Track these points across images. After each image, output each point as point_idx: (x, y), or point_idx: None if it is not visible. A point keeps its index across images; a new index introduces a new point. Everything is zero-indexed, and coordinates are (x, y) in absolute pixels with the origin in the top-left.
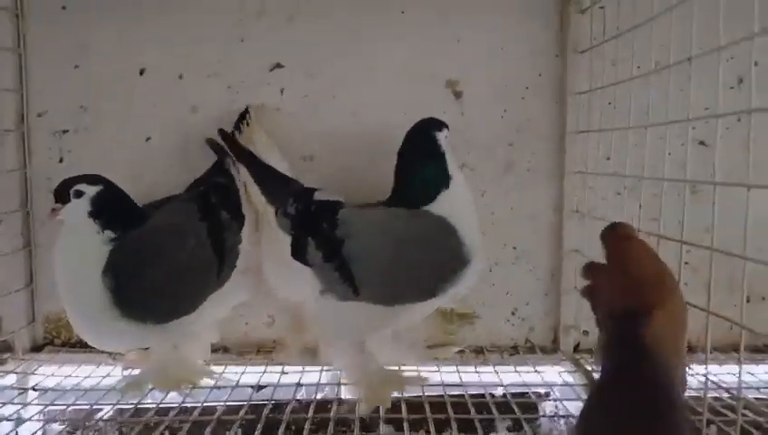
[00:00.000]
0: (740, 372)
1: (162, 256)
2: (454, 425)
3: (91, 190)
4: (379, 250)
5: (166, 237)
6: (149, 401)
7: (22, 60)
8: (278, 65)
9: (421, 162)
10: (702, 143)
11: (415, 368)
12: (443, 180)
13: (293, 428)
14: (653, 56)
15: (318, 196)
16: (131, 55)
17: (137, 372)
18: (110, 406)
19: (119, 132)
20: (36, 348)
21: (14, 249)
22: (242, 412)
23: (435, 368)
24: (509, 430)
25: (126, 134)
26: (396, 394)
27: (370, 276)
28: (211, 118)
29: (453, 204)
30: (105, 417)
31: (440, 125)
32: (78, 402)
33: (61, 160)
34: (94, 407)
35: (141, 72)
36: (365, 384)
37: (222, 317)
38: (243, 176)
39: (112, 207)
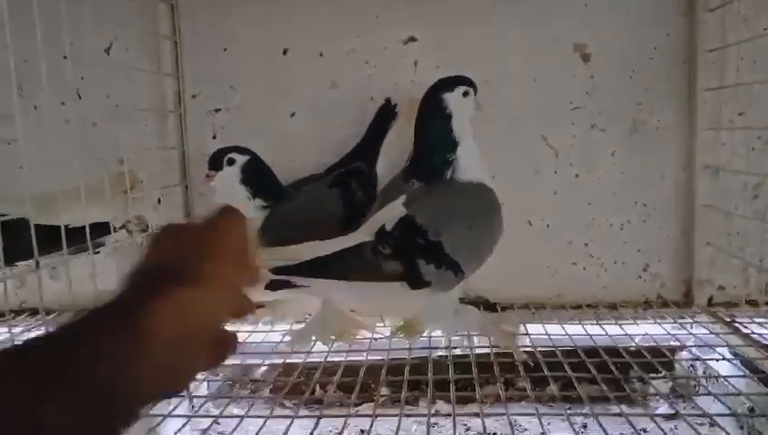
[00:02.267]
0: None
1: (310, 226)
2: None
3: (241, 159)
4: (462, 232)
5: (312, 211)
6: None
7: (177, 47)
8: (411, 39)
9: (424, 127)
10: None
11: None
12: (448, 145)
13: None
14: None
15: (389, 224)
16: (274, 37)
17: (301, 326)
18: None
19: (265, 109)
20: None
21: (176, 221)
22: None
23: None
24: (643, 381)
25: (272, 111)
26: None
27: (466, 257)
28: (350, 92)
29: (473, 163)
30: (261, 373)
31: (452, 84)
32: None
33: (214, 137)
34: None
35: (284, 52)
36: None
37: None
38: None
39: (260, 177)
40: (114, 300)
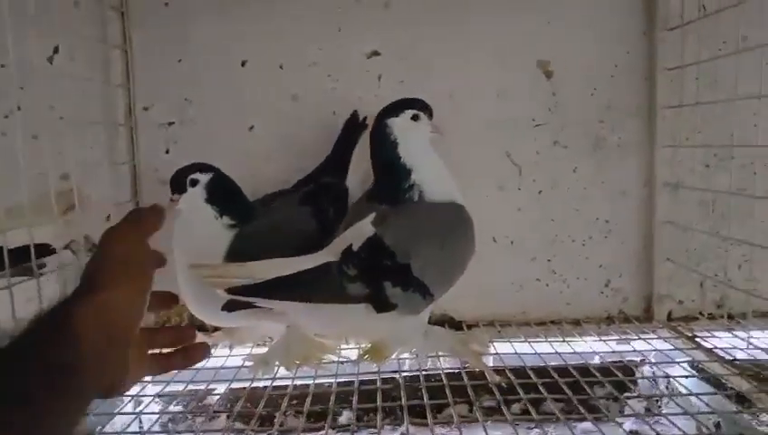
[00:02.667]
0: None
1: (281, 246)
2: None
3: (204, 178)
4: (431, 254)
5: (284, 229)
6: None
7: (128, 56)
8: (375, 52)
9: (373, 155)
10: None
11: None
12: (399, 171)
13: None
14: (741, 32)
15: (356, 244)
16: (232, 48)
17: (263, 350)
18: (224, 385)
19: (222, 123)
20: None
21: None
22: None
23: (538, 338)
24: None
25: (229, 124)
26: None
27: (436, 278)
28: (311, 106)
29: (437, 182)
30: (218, 397)
31: (397, 109)
32: (193, 382)
33: (167, 152)
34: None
35: (243, 64)
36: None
37: None
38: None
39: (226, 194)
40: (50, 309)
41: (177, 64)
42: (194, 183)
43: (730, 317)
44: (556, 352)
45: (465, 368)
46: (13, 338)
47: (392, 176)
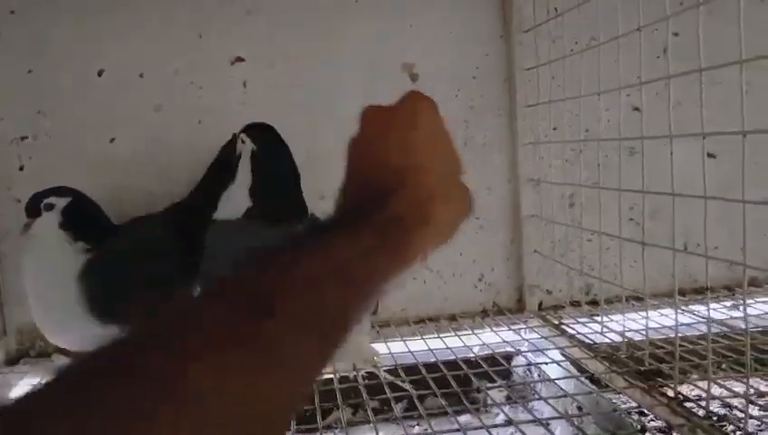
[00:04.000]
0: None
1: (138, 266)
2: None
3: (61, 202)
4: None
5: (141, 249)
6: None
7: None
8: (239, 59)
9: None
10: (636, 109)
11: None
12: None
13: None
14: (590, 33)
15: None
16: (87, 57)
17: None
18: None
19: (81, 136)
20: (11, 361)
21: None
22: None
23: (415, 336)
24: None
25: (89, 137)
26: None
27: None
28: (176, 115)
29: None
30: None
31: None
32: None
33: (21, 168)
34: None
35: (99, 74)
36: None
37: None
38: None
39: (83, 218)
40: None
41: (28, 75)
42: (49, 207)
43: (593, 303)
44: (429, 349)
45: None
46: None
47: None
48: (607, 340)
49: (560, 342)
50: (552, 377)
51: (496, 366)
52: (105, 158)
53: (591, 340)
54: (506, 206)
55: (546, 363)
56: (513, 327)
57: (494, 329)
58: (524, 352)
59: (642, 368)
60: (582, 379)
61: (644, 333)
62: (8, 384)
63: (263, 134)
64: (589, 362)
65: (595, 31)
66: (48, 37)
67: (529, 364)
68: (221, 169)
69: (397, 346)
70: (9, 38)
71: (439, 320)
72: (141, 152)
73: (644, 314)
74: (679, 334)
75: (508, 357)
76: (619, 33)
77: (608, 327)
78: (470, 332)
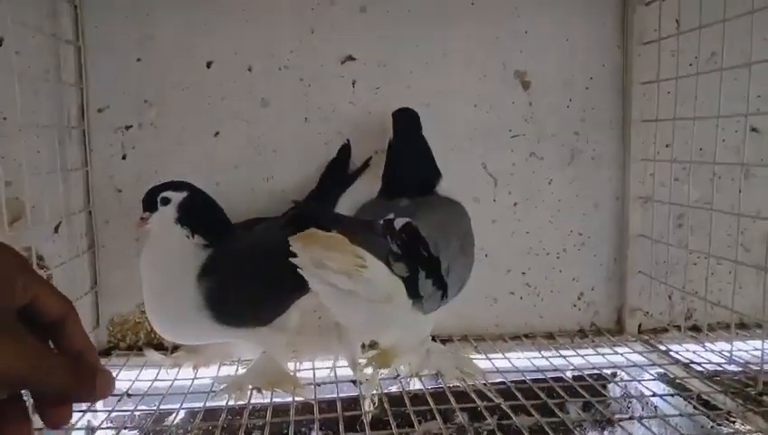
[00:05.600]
0: None
1: (257, 267)
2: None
3: (177, 197)
4: (454, 253)
5: (261, 251)
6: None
7: (81, 53)
8: (350, 57)
9: (406, 144)
10: (754, 130)
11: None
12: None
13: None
14: (711, 48)
15: (397, 224)
16: (197, 47)
17: (232, 374)
18: (179, 409)
19: (185, 128)
20: (102, 353)
21: (79, 252)
22: (316, 410)
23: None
24: (581, 410)
25: (193, 129)
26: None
27: (454, 280)
28: (282, 111)
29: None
30: (176, 420)
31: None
32: (144, 407)
33: (124, 157)
34: (161, 410)
35: (208, 65)
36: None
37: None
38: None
39: (199, 214)
40: None
41: (137, 63)
42: (165, 202)
43: (695, 329)
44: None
45: (450, 388)
46: None
47: (424, 165)
48: (715, 365)
49: (668, 368)
50: (656, 401)
51: (597, 387)
52: (208, 151)
53: (700, 365)
54: (612, 224)
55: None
56: (613, 349)
57: (595, 350)
58: (625, 379)
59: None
60: (690, 402)
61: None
62: None
63: (400, 115)
64: (716, 397)
65: (716, 46)
66: (159, 26)
67: (629, 391)
68: (338, 171)
69: (499, 363)
70: (120, 23)
71: (536, 337)
72: (245, 148)
73: (750, 341)
74: None
75: (607, 380)
76: (751, 50)
77: (717, 352)
78: (570, 351)
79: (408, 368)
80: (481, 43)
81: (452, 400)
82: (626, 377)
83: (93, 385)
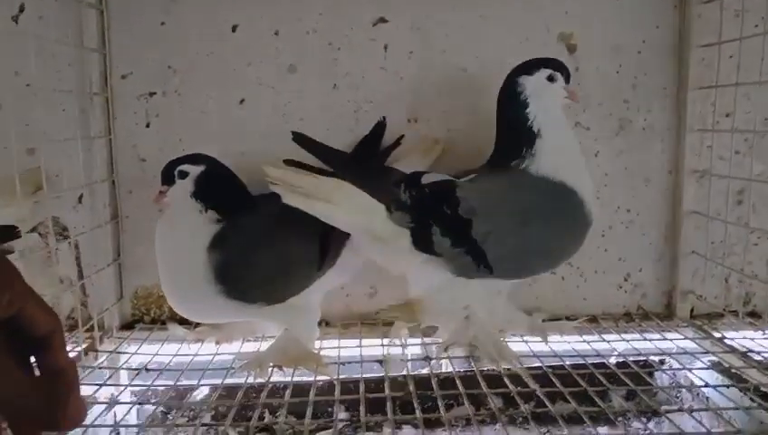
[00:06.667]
0: None
1: (270, 242)
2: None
3: (194, 170)
4: (507, 225)
5: (276, 225)
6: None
7: (104, 17)
8: (382, 20)
9: (502, 113)
10: None
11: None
12: (524, 135)
13: (398, 402)
14: None
15: (427, 178)
16: (222, 11)
17: (255, 350)
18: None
19: (210, 95)
20: (126, 326)
21: (102, 222)
22: (337, 391)
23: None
24: (625, 399)
25: (218, 96)
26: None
27: (502, 253)
28: (310, 77)
29: (558, 158)
30: (199, 397)
31: (531, 67)
32: (169, 382)
33: (147, 126)
34: (185, 386)
35: (233, 29)
36: (492, 346)
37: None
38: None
39: (216, 188)
40: None
41: (160, 28)
42: (183, 175)
43: (754, 315)
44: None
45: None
46: None
47: (515, 137)
48: None
49: (723, 357)
50: (708, 392)
51: (642, 374)
52: (234, 119)
53: (759, 353)
54: (664, 200)
55: (714, 387)
56: (663, 334)
57: (642, 335)
58: (675, 367)
59: None
60: (746, 395)
61: None
62: (120, 351)
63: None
64: (756, 376)
65: None
66: None
67: (674, 377)
68: (370, 148)
69: (536, 346)
70: None
71: (578, 320)
72: (272, 116)
73: None
74: None
75: (655, 367)
76: None
77: None
78: (615, 335)
79: (442, 335)
80: (522, 3)
81: (483, 384)
82: (675, 365)
83: (64, 415)
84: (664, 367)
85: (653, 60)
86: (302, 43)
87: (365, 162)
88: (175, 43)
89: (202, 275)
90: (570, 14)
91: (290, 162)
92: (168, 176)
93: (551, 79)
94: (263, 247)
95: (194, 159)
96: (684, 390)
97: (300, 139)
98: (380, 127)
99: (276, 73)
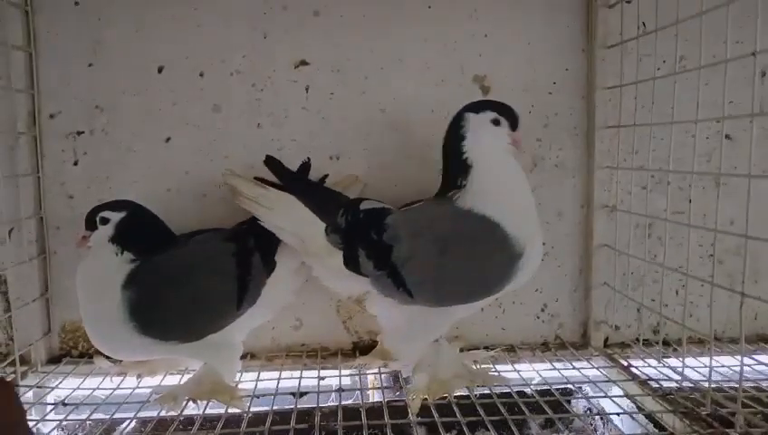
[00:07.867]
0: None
1: (182, 281)
2: (489, 426)
3: (115, 217)
4: (425, 252)
5: (190, 265)
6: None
7: (33, 59)
8: (303, 62)
9: (444, 144)
10: (727, 137)
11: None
12: (457, 167)
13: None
14: (679, 52)
15: (366, 205)
16: (148, 53)
17: (170, 384)
18: (131, 419)
19: (136, 133)
20: (54, 359)
21: (29, 257)
22: (268, 422)
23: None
24: (542, 427)
25: (144, 135)
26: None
27: (421, 280)
28: (234, 117)
29: (487, 193)
30: (127, 429)
31: (480, 107)
32: (96, 416)
33: (75, 163)
34: (114, 418)
35: (159, 70)
36: (431, 377)
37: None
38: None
39: (135, 232)
40: None
41: (88, 69)
42: (104, 221)
43: (666, 344)
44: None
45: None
46: None
47: (453, 168)
48: (675, 384)
49: (629, 387)
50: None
51: (556, 403)
52: (160, 157)
53: (660, 384)
54: (577, 233)
55: (617, 414)
56: (575, 365)
57: (555, 366)
58: (589, 395)
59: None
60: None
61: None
62: (47, 385)
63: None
64: (666, 417)
65: (685, 50)
66: (110, 30)
67: (591, 406)
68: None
69: None
70: (72, 29)
71: (496, 349)
72: (197, 154)
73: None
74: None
75: (569, 395)
76: (727, 55)
77: (686, 376)
78: (529, 365)
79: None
80: (438, 47)
81: (410, 414)
82: (590, 393)
83: None
84: (578, 396)
85: (563, 100)
86: (227, 84)
87: (319, 186)
88: (102, 83)
89: (117, 314)
90: (483, 57)
91: (258, 179)
92: (91, 221)
93: (495, 122)
94: (174, 285)
95: (116, 205)
96: (597, 417)
97: (271, 162)
98: (305, 167)
99: (201, 113)
